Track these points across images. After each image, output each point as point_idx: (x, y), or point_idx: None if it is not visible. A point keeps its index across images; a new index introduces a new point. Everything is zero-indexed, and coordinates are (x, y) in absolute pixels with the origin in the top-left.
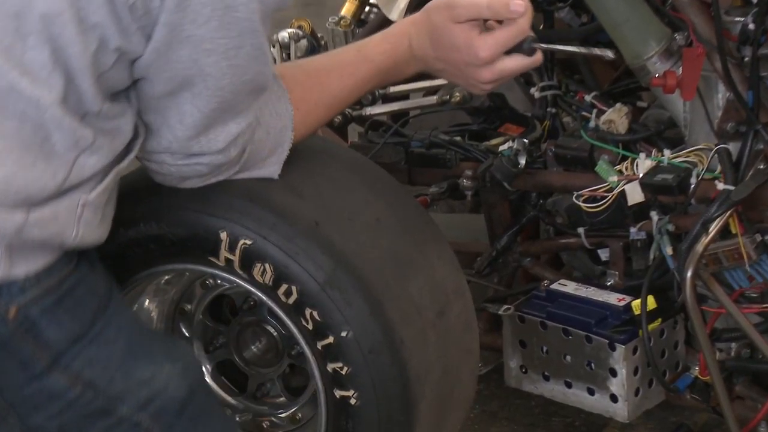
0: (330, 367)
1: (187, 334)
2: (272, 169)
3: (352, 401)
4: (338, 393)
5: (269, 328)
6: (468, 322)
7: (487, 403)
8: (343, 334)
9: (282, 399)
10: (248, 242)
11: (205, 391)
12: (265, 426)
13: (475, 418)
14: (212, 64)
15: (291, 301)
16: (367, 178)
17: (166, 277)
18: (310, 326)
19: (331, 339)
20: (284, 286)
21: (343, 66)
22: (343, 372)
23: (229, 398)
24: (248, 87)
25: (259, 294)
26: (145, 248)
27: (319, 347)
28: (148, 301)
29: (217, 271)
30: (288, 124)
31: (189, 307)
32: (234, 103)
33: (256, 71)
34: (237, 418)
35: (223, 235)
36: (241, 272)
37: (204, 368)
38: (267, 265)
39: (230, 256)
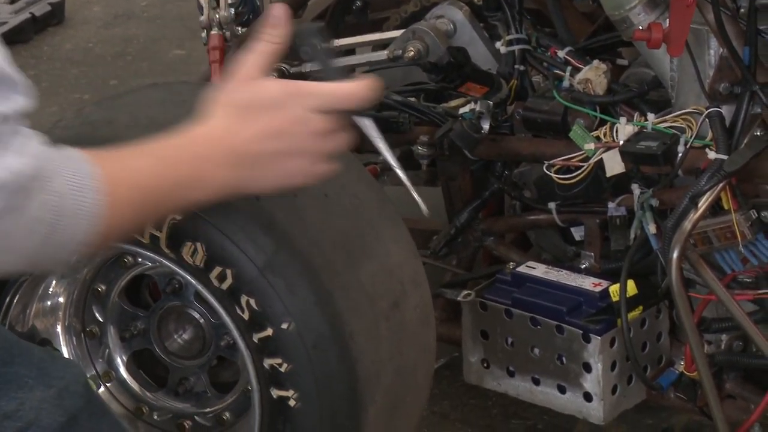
0: (267, 362)
1: (100, 319)
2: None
3: (291, 402)
4: (275, 392)
5: (195, 314)
6: (425, 315)
7: (438, 403)
8: (284, 326)
9: (208, 396)
10: (177, 217)
11: (92, 415)
12: (186, 426)
13: (424, 420)
14: None
15: (225, 286)
16: None
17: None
18: (245, 316)
19: (269, 331)
20: (218, 269)
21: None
22: (282, 369)
23: (146, 393)
24: None
25: (188, 277)
26: None
27: (256, 340)
28: (55, 282)
29: (139, 249)
30: (86, 184)
31: (103, 287)
32: None
33: None
34: (155, 417)
35: None
36: (167, 251)
37: (118, 358)
38: (198, 245)
39: (156, 233)
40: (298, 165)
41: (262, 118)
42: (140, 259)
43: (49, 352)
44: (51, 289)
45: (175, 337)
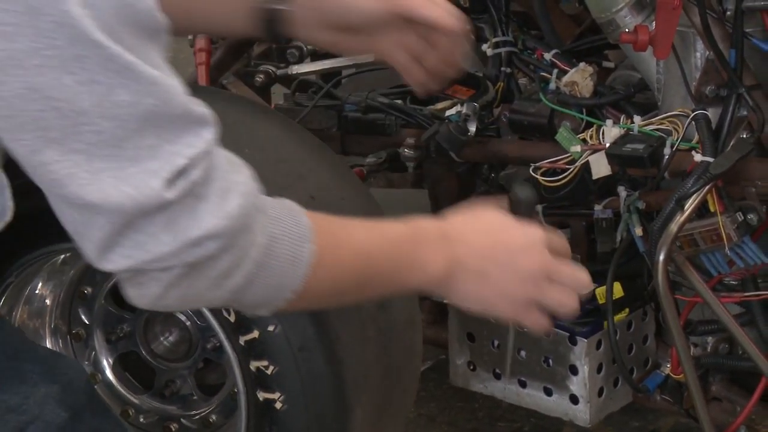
0: (253, 365)
1: (86, 321)
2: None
3: (278, 405)
4: (262, 395)
5: (182, 317)
6: (411, 317)
7: (425, 406)
8: (270, 328)
9: (194, 398)
10: None
11: (94, 413)
12: (173, 429)
13: (411, 423)
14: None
15: None
16: (300, 149)
17: (63, 256)
18: (232, 318)
19: (256, 334)
20: None
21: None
22: (269, 371)
23: (132, 396)
24: (138, 116)
25: None
26: (40, 223)
27: (242, 343)
28: (41, 284)
29: None
30: (306, 234)
31: (89, 290)
32: (125, 137)
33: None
34: (141, 419)
35: None
36: None
37: (105, 361)
38: None
39: None
40: (509, 300)
41: (497, 242)
42: None
43: (51, 350)
44: (37, 291)
45: (162, 339)
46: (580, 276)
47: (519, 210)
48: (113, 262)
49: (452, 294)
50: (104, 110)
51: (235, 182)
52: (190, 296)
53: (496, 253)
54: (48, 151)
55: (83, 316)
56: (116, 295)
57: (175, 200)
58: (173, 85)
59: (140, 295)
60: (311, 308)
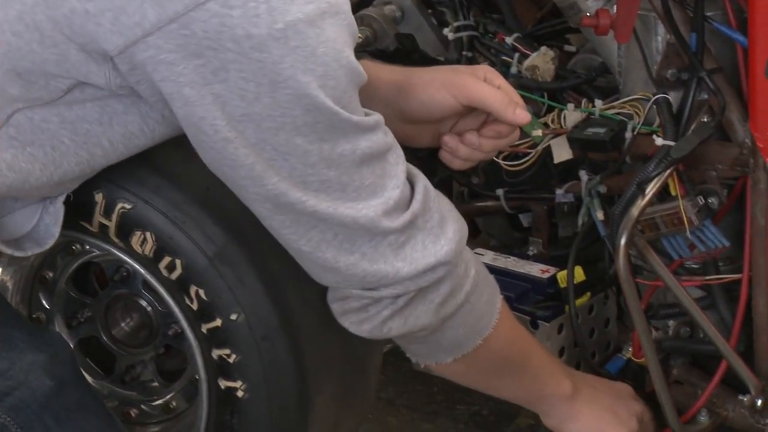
0: (215, 353)
1: (47, 306)
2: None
3: (239, 393)
4: (223, 383)
5: (143, 303)
6: None
7: (384, 389)
8: (233, 317)
9: (154, 384)
10: (127, 207)
11: (79, 386)
12: (133, 415)
13: (371, 407)
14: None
15: (174, 276)
16: None
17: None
18: (194, 306)
19: (218, 322)
20: (167, 259)
21: None
22: (231, 360)
23: (92, 381)
24: (357, 160)
25: (136, 266)
26: None
27: (204, 331)
28: (1, 268)
29: (88, 237)
30: (496, 287)
31: (50, 274)
32: (349, 181)
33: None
34: None
35: (99, 197)
36: (117, 241)
37: None
38: (148, 234)
39: (105, 222)
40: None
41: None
42: (88, 247)
43: (36, 324)
44: None
45: (122, 325)
46: None
47: None
48: (348, 263)
49: (567, 419)
50: (330, 162)
51: (448, 209)
52: (410, 322)
53: (617, 406)
54: (288, 197)
55: (44, 301)
56: (77, 280)
57: (399, 230)
58: (379, 123)
59: (368, 322)
60: (476, 375)
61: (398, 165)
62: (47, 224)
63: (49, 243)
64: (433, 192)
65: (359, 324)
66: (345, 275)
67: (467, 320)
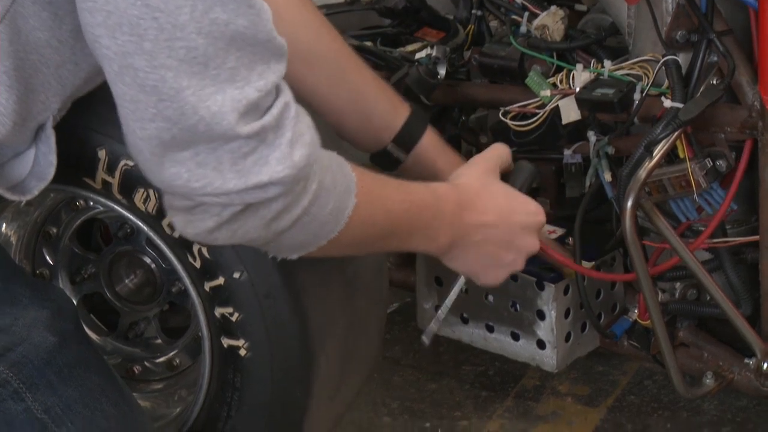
0: (218, 311)
1: (50, 262)
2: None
3: (242, 352)
4: (226, 342)
5: (147, 260)
6: (378, 265)
7: (390, 349)
8: (236, 275)
9: (158, 341)
10: (131, 163)
11: (81, 342)
12: (136, 371)
13: (376, 366)
14: None
15: (177, 234)
16: None
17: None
18: (197, 264)
19: (221, 280)
20: None
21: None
22: (233, 318)
23: (95, 338)
24: (228, 35)
25: (140, 223)
26: None
27: (207, 289)
28: (5, 224)
29: (91, 194)
30: (352, 188)
31: (54, 230)
32: (214, 56)
33: (231, 12)
34: None
35: (102, 154)
36: (120, 197)
37: None
38: (151, 191)
39: (109, 179)
40: (492, 271)
41: (502, 217)
42: (92, 203)
43: (39, 279)
44: (1, 230)
45: (126, 281)
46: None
47: (517, 184)
48: (169, 172)
49: (446, 257)
50: (201, 26)
51: (301, 132)
52: (239, 234)
53: (498, 228)
54: (138, 59)
55: (47, 257)
56: (81, 236)
57: (244, 137)
58: (266, 10)
59: (192, 227)
60: (332, 255)
61: (273, 74)
62: (44, 153)
63: (50, 173)
64: (294, 109)
65: (184, 225)
66: (169, 173)
67: (306, 230)
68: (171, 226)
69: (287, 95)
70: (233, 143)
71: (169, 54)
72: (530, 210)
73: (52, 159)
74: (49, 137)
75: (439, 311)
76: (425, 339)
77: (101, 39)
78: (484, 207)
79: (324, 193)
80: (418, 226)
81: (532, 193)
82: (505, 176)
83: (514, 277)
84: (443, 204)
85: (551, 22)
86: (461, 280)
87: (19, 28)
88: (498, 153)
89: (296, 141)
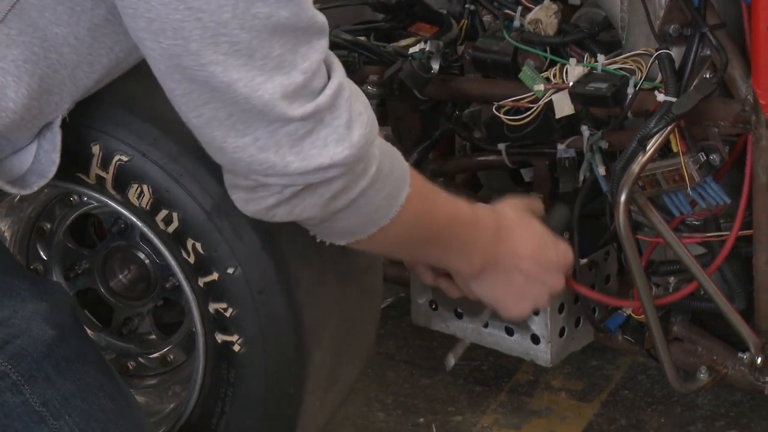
0: (212, 307)
1: (44, 257)
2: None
3: (236, 348)
4: (220, 337)
5: (141, 255)
6: (372, 260)
7: (383, 344)
8: (230, 270)
9: (152, 337)
10: (124, 159)
11: (79, 336)
12: (130, 367)
13: (370, 361)
14: None
15: (171, 229)
16: None
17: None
18: (191, 260)
19: (215, 276)
20: (164, 212)
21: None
22: (228, 314)
23: (89, 333)
24: (271, 27)
25: (134, 219)
26: None
27: (201, 284)
28: None
29: (85, 189)
30: (407, 178)
31: (48, 226)
32: (259, 47)
33: (272, 5)
34: None
35: (96, 149)
36: (114, 193)
37: None
38: (145, 187)
39: (102, 174)
40: (517, 304)
41: (535, 253)
42: (86, 199)
43: (36, 274)
44: None
45: (120, 277)
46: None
47: (552, 225)
48: (232, 156)
49: (476, 280)
50: (243, 22)
51: (359, 112)
52: (297, 212)
53: (530, 261)
54: (186, 59)
55: (41, 252)
56: (75, 232)
57: (299, 119)
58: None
59: (253, 204)
60: (374, 251)
61: (316, 52)
62: (46, 151)
63: (52, 171)
64: (349, 90)
65: (245, 203)
66: (231, 158)
67: (361, 213)
68: (165, 221)
69: (340, 75)
70: (290, 126)
71: (215, 50)
72: (561, 250)
73: (55, 157)
74: (55, 135)
75: (465, 338)
76: (449, 363)
77: (145, 41)
78: (520, 238)
79: (382, 177)
80: (458, 242)
81: (526, 187)
82: (542, 218)
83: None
84: (482, 226)
85: (544, 16)
86: (487, 311)
87: (33, 19)
88: (533, 203)
89: (354, 120)
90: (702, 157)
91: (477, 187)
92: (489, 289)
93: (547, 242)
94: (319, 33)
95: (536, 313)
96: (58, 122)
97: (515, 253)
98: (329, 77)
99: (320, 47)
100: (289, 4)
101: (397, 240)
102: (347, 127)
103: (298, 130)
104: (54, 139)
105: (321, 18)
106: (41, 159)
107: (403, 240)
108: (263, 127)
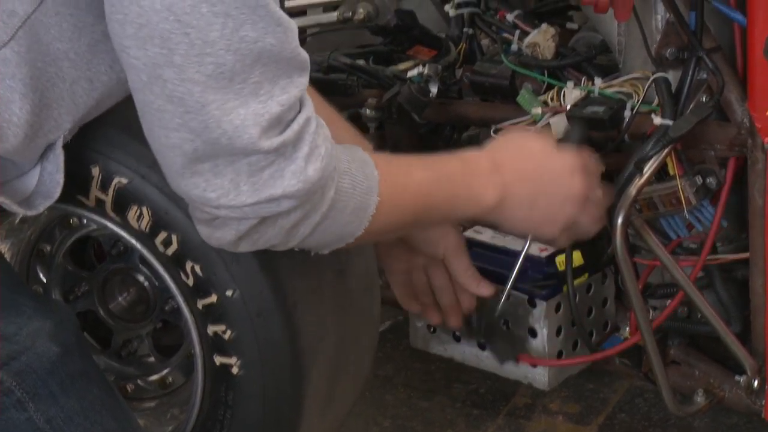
0: (211, 329)
1: (44, 280)
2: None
3: (234, 370)
4: (218, 359)
5: (140, 277)
6: (370, 283)
7: (382, 367)
8: (228, 293)
9: (151, 359)
10: (124, 181)
11: (82, 354)
12: (129, 389)
13: (367, 383)
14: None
15: (170, 251)
16: None
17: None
18: (190, 282)
19: (213, 298)
20: (163, 234)
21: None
22: (226, 336)
23: None
24: (256, 53)
25: (133, 241)
26: None
27: (200, 307)
28: None
29: (84, 212)
30: (374, 186)
31: (48, 248)
32: (240, 71)
33: (260, 31)
34: None
35: (95, 171)
36: (113, 215)
37: None
38: (144, 209)
39: (102, 196)
40: (553, 222)
41: (542, 168)
42: (85, 221)
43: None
44: None
45: (120, 299)
46: (607, 194)
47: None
48: (188, 181)
49: (502, 220)
50: (230, 43)
51: (318, 146)
52: (261, 243)
53: (542, 179)
54: (168, 71)
55: (41, 275)
56: (75, 254)
57: (264, 151)
58: (292, 28)
59: (215, 239)
60: (370, 242)
61: (296, 88)
62: (50, 172)
63: (57, 192)
64: (315, 123)
65: (208, 237)
66: (186, 183)
67: (329, 232)
68: (164, 243)
69: (309, 109)
70: (252, 157)
71: (198, 69)
72: (566, 155)
73: (59, 179)
74: (58, 157)
75: (508, 282)
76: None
77: (130, 49)
78: (520, 161)
79: (343, 197)
80: (458, 195)
81: None
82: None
83: (506, 296)
84: (476, 164)
85: (542, 40)
86: (528, 241)
87: (40, 37)
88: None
89: (311, 154)
90: (698, 180)
91: None
92: (519, 221)
93: (550, 153)
94: (301, 69)
95: (534, 335)
96: (60, 143)
97: (524, 177)
98: (299, 109)
99: (300, 84)
100: (276, 32)
101: (385, 230)
102: (305, 160)
103: (259, 161)
104: (57, 161)
105: (305, 55)
106: (45, 180)
107: (392, 228)
108: (226, 154)
